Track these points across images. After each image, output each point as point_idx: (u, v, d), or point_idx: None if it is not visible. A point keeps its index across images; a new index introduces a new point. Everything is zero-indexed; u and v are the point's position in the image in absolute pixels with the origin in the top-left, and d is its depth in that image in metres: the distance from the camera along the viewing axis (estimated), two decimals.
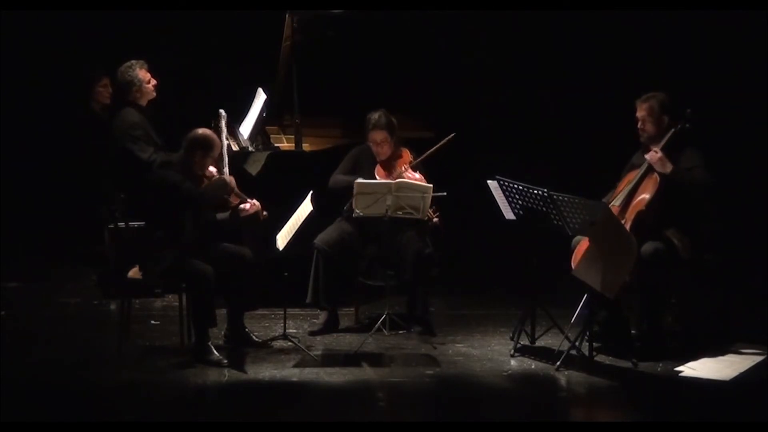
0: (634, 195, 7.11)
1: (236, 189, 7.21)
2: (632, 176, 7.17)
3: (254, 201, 7.22)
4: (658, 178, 7.05)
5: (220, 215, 7.20)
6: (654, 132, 7.17)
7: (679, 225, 7.07)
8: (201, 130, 7.10)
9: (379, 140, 7.68)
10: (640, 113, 7.21)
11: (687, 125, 7.10)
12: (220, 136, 7.50)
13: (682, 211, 7.08)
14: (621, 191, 7.16)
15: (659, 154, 7.04)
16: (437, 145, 7.59)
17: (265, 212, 7.24)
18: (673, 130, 7.11)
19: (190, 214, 7.03)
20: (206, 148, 7.05)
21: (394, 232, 7.47)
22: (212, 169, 7.20)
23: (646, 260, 6.94)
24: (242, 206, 7.19)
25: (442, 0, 8.67)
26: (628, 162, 7.33)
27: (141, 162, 7.88)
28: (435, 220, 7.43)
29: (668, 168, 7.02)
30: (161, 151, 7.96)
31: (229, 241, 7.25)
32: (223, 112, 7.82)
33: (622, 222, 7.00)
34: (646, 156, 7.12)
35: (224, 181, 7.16)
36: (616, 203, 7.11)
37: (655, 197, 7.04)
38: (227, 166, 7.53)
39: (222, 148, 7.40)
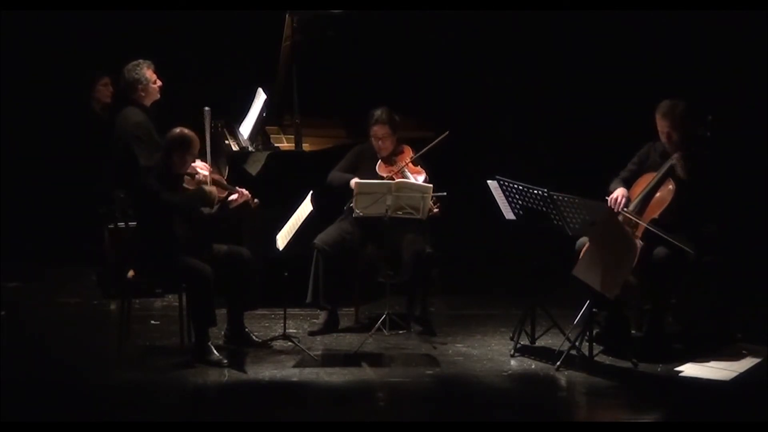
0: (649, 200, 7.10)
1: (222, 182, 7.16)
2: (648, 180, 7.15)
3: (242, 190, 7.17)
4: (675, 186, 7.04)
5: (209, 210, 7.10)
6: (679, 141, 7.13)
7: (687, 229, 7.06)
8: (177, 130, 7.00)
9: (380, 135, 7.69)
10: (664, 125, 7.12)
11: (708, 133, 7.09)
12: (205, 133, 7.34)
13: (692, 215, 7.07)
14: (636, 196, 7.13)
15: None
16: (436, 140, 7.59)
17: (255, 200, 7.20)
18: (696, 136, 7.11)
19: (177, 215, 6.99)
20: (183, 147, 6.97)
21: (394, 232, 7.47)
22: (199, 164, 7.16)
23: (659, 265, 6.94)
24: (230, 198, 7.15)
25: (442, 0, 8.67)
26: (639, 152, 7.32)
27: (139, 165, 7.85)
28: (435, 210, 7.42)
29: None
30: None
31: (228, 241, 7.25)
32: (207, 109, 7.52)
33: (637, 226, 7.00)
34: (674, 158, 7.08)
35: (204, 191, 7.02)
36: (630, 208, 7.09)
37: (671, 204, 7.02)
38: (209, 159, 7.31)
39: (207, 145, 7.26)
